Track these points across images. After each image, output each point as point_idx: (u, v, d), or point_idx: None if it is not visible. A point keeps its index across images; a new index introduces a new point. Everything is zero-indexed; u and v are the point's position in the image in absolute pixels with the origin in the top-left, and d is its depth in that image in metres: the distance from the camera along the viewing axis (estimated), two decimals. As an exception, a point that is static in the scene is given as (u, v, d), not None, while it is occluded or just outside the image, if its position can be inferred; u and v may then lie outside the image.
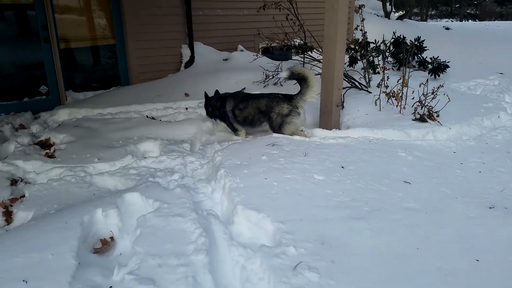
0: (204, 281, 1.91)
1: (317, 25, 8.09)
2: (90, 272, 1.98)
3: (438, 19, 30.58)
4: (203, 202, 2.70)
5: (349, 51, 6.94)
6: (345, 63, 5.70)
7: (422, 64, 7.21)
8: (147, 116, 5.09)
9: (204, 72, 6.68)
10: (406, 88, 4.62)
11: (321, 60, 5.87)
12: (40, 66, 5.79)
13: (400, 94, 4.60)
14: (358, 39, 6.07)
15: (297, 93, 4.18)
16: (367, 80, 5.66)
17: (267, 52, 8.67)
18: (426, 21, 25.39)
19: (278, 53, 8.75)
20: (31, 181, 3.49)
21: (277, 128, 4.13)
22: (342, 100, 4.72)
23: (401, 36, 7.40)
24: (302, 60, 6.54)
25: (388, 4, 12.97)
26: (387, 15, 12.91)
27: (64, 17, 5.94)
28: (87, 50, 6.39)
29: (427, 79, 4.77)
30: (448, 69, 6.88)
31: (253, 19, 7.92)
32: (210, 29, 7.36)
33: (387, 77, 5.07)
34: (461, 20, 28.43)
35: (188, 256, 2.05)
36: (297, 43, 7.57)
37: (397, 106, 4.65)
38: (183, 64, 6.98)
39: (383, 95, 4.79)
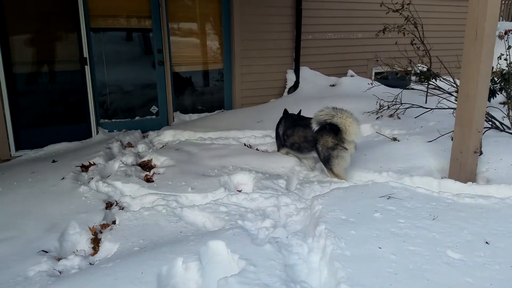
0: None
1: (445, 50, 7.11)
2: None
3: None
4: (297, 266, 2.22)
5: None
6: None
7: None
8: (244, 144, 4.87)
9: (308, 98, 6.28)
10: None
11: (453, 93, 5.01)
12: (153, 87, 6.07)
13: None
14: (502, 70, 5.00)
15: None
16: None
17: (381, 77, 7.92)
18: None
19: (393, 79, 7.94)
20: (125, 206, 3.47)
21: (326, 162, 3.88)
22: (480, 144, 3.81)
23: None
24: (425, 89, 5.68)
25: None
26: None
27: (178, 42, 6.17)
28: (197, 73, 6.53)
29: None
30: None
31: (367, 42, 7.32)
32: (318, 53, 6.98)
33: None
34: None
35: None
36: (418, 70, 6.73)
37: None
38: (286, 89, 6.69)
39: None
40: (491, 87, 6.41)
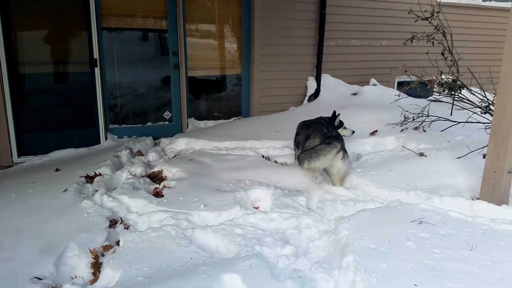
0: None
1: (475, 60, 6.69)
2: None
3: None
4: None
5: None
6: None
7: None
8: (262, 156, 4.54)
9: (328, 107, 5.89)
10: None
11: (482, 107, 4.62)
12: (167, 91, 5.81)
13: None
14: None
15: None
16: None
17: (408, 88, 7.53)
18: None
19: (416, 89, 7.54)
20: (131, 224, 3.17)
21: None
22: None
23: None
24: (451, 101, 5.28)
25: None
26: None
27: (195, 44, 5.90)
28: (213, 78, 6.25)
29: None
30: None
31: (391, 50, 6.97)
32: (341, 60, 6.64)
33: None
34: None
35: None
36: (443, 80, 6.32)
37: None
38: (306, 97, 6.36)
39: None
40: None
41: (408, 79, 7.48)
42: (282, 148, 4.72)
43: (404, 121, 4.98)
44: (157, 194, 3.68)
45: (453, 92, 5.54)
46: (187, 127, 5.88)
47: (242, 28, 5.99)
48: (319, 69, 6.30)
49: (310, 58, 6.30)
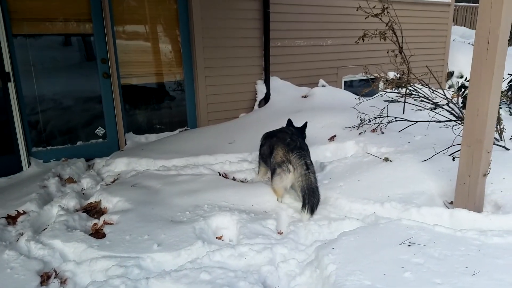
0: None
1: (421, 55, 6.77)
2: None
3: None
4: None
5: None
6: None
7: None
8: (219, 174, 4.07)
9: (281, 112, 5.61)
10: None
11: (429, 98, 4.58)
12: (98, 104, 5.08)
13: None
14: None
15: (301, 154, 3.32)
16: (499, 131, 4.18)
17: (351, 86, 7.50)
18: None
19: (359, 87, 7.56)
20: (68, 277, 2.56)
21: (271, 175, 3.49)
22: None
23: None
24: (407, 100, 5.24)
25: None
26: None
27: (128, 50, 5.24)
28: (152, 86, 5.63)
29: None
30: None
31: (337, 49, 6.84)
32: (288, 61, 6.36)
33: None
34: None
35: None
36: (390, 78, 6.33)
37: None
38: (257, 102, 5.98)
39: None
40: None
41: (354, 78, 7.49)
42: (239, 162, 4.28)
43: (361, 123, 4.80)
44: (97, 234, 3.05)
45: (401, 90, 5.55)
46: (125, 144, 5.20)
47: (180, 29, 5.43)
48: (268, 71, 5.96)
49: (257, 60, 5.93)
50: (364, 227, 2.68)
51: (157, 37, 5.46)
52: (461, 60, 9.37)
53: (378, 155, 3.99)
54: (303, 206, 3.08)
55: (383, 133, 4.64)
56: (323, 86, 6.57)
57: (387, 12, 4.63)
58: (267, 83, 5.95)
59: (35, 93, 4.71)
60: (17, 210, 3.33)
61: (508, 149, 3.89)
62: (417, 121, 4.64)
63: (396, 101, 4.91)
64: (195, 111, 5.64)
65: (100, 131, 5.16)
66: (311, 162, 3.37)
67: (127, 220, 3.10)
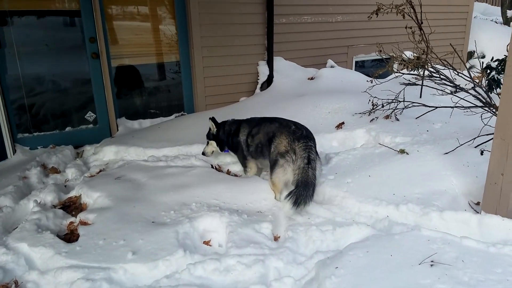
0: None
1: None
2: None
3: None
4: None
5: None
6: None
7: None
8: (212, 166, 3.68)
9: (284, 96, 5.17)
10: None
11: (452, 81, 4.05)
12: (87, 88, 4.70)
13: None
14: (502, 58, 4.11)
15: (308, 145, 2.96)
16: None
17: (363, 67, 6.96)
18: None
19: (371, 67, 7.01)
20: (29, 289, 2.20)
21: (270, 168, 3.08)
22: None
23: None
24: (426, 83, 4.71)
25: (508, 8, 10.44)
26: (507, 22, 10.39)
27: (118, 28, 4.81)
28: (146, 68, 5.20)
29: None
30: None
31: (348, 26, 6.28)
32: (294, 40, 5.85)
33: None
34: None
35: None
36: (406, 57, 5.80)
37: None
38: (259, 85, 5.52)
39: None
40: (494, 77, 5.62)
41: (366, 58, 6.93)
42: (235, 152, 3.87)
43: (373, 109, 4.33)
44: (72, 235, 2.72)
45: (420, 71, 5.02)
46: (117, 130, 4.83)
47: (175, 5, 4.96)
48: (271, 51, 5.46)
49: (259, 38, 5.44)
50: (376, 238, 2.26)
51: (150, 14, 5.01)
52: (483, 39, 8.68)
53: (392, 146, 3.55)
54: (288, 194, 2.69)
55: (398, 120, 4.17)
56: (332, 67, 6.06)
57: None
58: (270, 64, 5.46)
59: (19, 74, 4.35)
60: (-14, 206, 3.01)
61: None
62: (437, 107, 4.15)
63: (414, 83, 4.39)
64: (192, 94, 5.22)
65: (90, 116, 4.80)
66: (316, 156, 2.97)
67: (104, 221, 2.75)
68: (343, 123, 4.18)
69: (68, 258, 2.37)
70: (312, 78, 5.73)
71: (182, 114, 5.22)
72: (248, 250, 2.35)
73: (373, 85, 4.16)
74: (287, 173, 2.94)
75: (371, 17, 4.30)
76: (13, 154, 4.34)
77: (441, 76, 3.90)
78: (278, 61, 5.64)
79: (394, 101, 4.27)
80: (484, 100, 3.66)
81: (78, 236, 2.70)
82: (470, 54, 8.89)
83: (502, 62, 5.87)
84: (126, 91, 5.06)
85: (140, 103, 5.17)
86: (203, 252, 2.50)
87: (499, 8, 11.13)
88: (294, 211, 2.68)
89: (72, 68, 4.69)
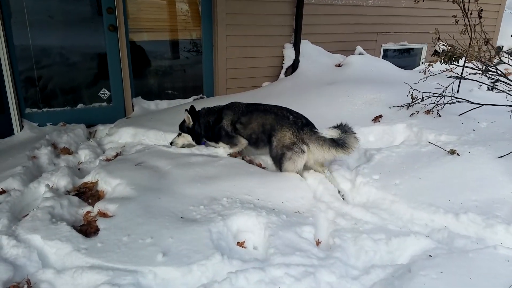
0: None
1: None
2: None
3: None
4: None
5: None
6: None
7: None
8: (242, 157, 3.36)
9: (312, 84, 4.83)
10: None
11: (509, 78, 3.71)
12: (102, 62, 4.35)
13: None
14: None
15: (313, 130, 2.99)
16: None
17: (386, 56, 6.58)
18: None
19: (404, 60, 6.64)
20: (44, 291, 1.91)
21: (277, 162, 3.08)
22: None
23: None
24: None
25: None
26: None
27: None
28: (164, 44, 4.84)
29: None
30: None
31: (378, 11, 5.89)
32: (322, 23, 5.47)
33: None
34: None
35: None
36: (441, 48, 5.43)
37: None
38: (283, 70, 5.16)
39: None
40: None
41: (395, 47, 6.55)
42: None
43: (412, 102, 4.01)
44: (89, 229, 2.42)
45: (454, 63, 4.67)
46: (132, 110, 4.51)
47: (200, -23, 4.58)
48: (299, 33, 5.09)
49: (287, 19, 5.05)
50: (446, 255, 1.97)
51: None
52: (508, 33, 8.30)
53: (439, 144, 3.23)
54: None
55: (440, 116, 3.84)
56: (361, 54, 5.70)
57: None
58: (296, 47, 5.10)
59: (29, 44, 4.00)
60: (-5, 188, 2.72)
61: None
62: (483, 104, 3.81)
63: (463, 78, 4.04)
64: (213, 76, 4.87)
65: (104, 93, 4.46)
66: None
67: (127, 213, 2.45)
68: (380, 116, 3.86)
69: (89, 256, 2.08)
70: (339, 65, 5.38)
71: (201, 97, 4.88)
72: (294, 259, 2.06)
73: (427, 76, 3.79)
74: (297, 164, 2.98)
75: (417, 1, 3.93)
76: (20, 130, 4.04)
77: (498, 72, 3.55)
78: (304, 45, 5.28)
79: (436, 95, 3.93)
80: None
81: (96, 228, 2.41)
82: (498, 49, 8.51)
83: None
84: (143, 69, 4.71)
85: (157, 82, 4.83)
86: (239, 255, 2.22)
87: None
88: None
89: (86, 41, 4.33)
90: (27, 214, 2.55)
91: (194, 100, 4.79)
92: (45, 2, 4.03)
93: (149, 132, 3.76)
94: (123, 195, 2.68)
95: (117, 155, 3.49)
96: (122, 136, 3.85)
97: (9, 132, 3.98)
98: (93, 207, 2.64)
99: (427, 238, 2.23)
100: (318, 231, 2.44)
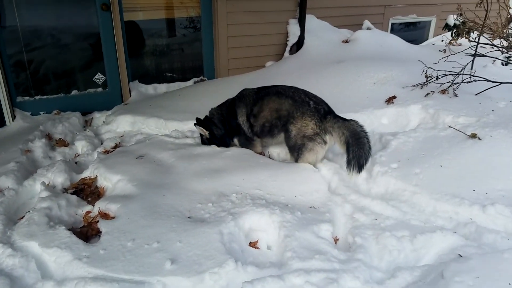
0: None
1: None
2: None
3: None
4: None
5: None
6: None
7: None
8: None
9: (319, 62, 4.58)
10: None
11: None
12: (96, 45, 4.08)
13: None
14: None
15: (336, 118, 2.74)
16: None
17: (392, 30, 6.27)
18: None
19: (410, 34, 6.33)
20: (44, 308, 1.76)
21: (295, 152, 2.85)
22: None
23: None
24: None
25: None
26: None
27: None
28: (161, 23, 4.55)
29: None
30: None
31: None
32: (328, -4, 5.14)
33: None
34: None
35: None
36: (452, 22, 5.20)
37: None
38: (288, 48, 4.89)
39: None
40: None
41: (403, 20, 6.24)
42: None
43: (426, 81, 3.77)
44: (89, 231, 2.26)
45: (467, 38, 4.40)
46: (130, 95, 4.28)
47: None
48: (304, 7, 4.79)
49: (291, -7, 4.75)
50: (479, 256, 1.80)
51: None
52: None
53: (457, 127, 3.03)
54: (348, 163, 2.57)
55: (456, 95, 3.62)
56: (368, 28, 5.40)
57: None
58: (301, 22, 4.80)
59: (17, 25, 3.73)
60: (-15, 189, 2.53)
61: None
62: (501, 82, 3.59)
63: (483, 55, 3.79)
64: (213, 57, 4.61)
65: (99, 78, 4.21)
66: None
67: (130, 214, 2.28)
68: (394, 97, 3.63)
69: (91, 265, 1.91)
70: (346, 41, 5.10)
71: (201, 79, 4.64)
72: (314, 264, 1.90)
73: (448, 56, 3.54)
74: (319, 155, 2.81)
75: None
76: (12, 121, 3.83)
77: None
78: (309, 20, 4.99)
79: (452, 73, 3.70)
80: None
81: (97, 230, 2.25)
82: (509, 21, 8.16)
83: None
84: (140, 50, 4.44)
85: (155, 64, 4.57)
86: (252, 258, 2.06)
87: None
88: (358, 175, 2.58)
89: (78, 21, 4.04)
90: (23, 217, 2.38)
91: (194, 82, 4.54)
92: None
93: (149, 120, 3.55)
94: (125, 193, 2.51)
95: (116, 146, 3.29)
96: (120, 124, 3.64)
97: (1, 123, 3.77)
98: (93, 206, 2.48)
99: (454, 234, 2.07)
100: (335, 228, 2.27)
